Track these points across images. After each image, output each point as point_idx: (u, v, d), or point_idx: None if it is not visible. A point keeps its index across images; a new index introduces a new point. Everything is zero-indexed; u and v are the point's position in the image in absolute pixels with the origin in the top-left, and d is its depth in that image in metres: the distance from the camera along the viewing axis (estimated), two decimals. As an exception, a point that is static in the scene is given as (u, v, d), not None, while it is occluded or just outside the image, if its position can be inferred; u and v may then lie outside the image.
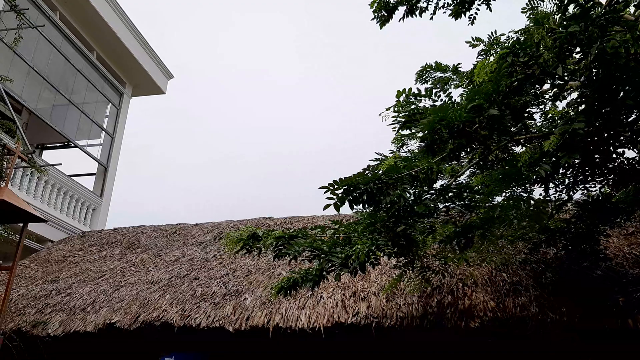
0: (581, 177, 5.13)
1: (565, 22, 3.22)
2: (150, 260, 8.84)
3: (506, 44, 3.14)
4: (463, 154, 3.34)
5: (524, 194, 5.44)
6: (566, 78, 3.27)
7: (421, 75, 6.75)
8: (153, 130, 54.51)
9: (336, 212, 9.71)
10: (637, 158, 4.71)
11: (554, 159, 3.53)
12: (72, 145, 12.81)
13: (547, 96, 3.96)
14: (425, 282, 5.47)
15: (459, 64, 6.44)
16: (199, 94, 54.00)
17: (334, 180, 3.38)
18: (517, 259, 6.33)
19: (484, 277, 6.03)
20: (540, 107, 4.32)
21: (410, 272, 5.44)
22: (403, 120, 3.72)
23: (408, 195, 3.36)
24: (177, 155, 50.58)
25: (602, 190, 5.43)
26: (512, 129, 3.41)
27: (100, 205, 12.99)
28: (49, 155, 14.15)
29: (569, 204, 5.56)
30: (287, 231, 4.24)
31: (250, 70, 56.50)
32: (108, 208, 13.42)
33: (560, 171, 4.89)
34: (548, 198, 4.87)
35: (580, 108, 2.99)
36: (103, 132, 13.58)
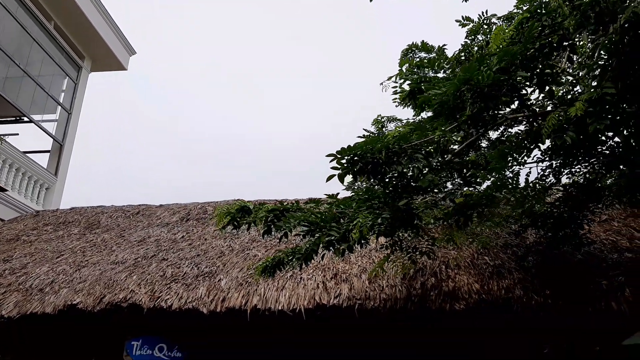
0: (569, 159, 5.08)
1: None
2: (113, 241, 8.37)
3: (529, 8, 2.99)
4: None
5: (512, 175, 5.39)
6: (586, 46, 3.17)
7: (406, 54, 6.61)
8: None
9: (313, 197, 9.52)
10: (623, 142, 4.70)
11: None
12: (25, 120, 11.97)
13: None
14: (412, 263, 5.34)
15: (444, 45, 6.30)
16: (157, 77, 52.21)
17: (342, 148, 3.16)
18: (497, 243, 6.30)
19: (466, 260, 5.97)
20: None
21: (397, 253, 5.29)
22: (408, 89, 3.54)
23: (419, 165, 3.18)
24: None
25: (587, 175, 5.42)
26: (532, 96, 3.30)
27: (54, 184, 12.27)
28: (-2, 130, 13.27)
29: (553, 188, 5.54)
30: (281, 204, 3.98)
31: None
32: (63, 187, 12.70)
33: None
34: (542, 179, 4.79)
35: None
36: (59, 108, 12.81)
